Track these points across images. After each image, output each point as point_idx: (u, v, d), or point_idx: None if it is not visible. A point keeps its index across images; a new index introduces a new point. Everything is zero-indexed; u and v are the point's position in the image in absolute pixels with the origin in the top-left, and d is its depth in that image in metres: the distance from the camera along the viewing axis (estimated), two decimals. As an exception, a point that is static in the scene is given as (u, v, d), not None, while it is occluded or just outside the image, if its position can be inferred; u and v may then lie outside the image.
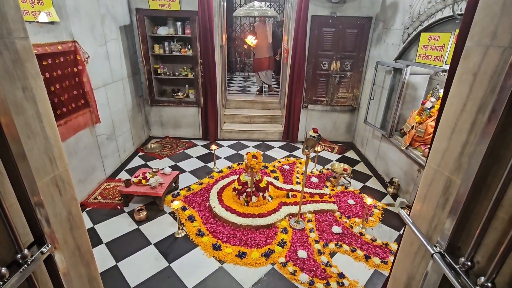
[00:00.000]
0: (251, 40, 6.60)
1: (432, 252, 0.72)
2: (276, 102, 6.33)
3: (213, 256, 2.71)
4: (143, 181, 3.38)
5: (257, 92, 7.22)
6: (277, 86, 7.84)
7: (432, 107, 3.35)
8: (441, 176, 0.78)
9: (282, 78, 6.21)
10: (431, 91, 3.50)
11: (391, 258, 2.73)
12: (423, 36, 3.27)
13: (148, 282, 2.44)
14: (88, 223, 3.10)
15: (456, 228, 0.68)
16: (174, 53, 4.97)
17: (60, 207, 0.78)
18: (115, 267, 2.57)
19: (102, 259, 2.65)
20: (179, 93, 5.28)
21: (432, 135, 3.19)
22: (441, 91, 3.39)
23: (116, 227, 3.07)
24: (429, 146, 3.28)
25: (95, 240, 2.89)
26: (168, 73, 5.18)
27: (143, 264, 2.61)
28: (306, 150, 2.66)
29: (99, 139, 3.82)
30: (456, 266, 0.66)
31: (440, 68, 2.98)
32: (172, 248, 2.80)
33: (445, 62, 2.92)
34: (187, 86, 5.34)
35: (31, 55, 0.74)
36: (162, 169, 3.70)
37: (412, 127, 3.54)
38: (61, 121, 3.06)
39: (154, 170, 3.68)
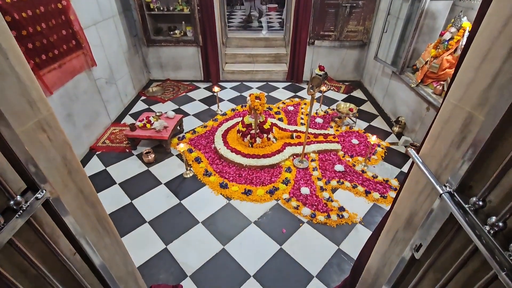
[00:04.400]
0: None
1: (441, 191, 0.68)
2: (280, 39, 5.87)
3: (221, 194, 2.80)
4: (148, 125, 3.37)
5: (244, 23, 6.77)
6: (280, 14, 7.18)
7: (451, 38, 3.04)
8: (460, 112, 0.69)
9: (287, 11, 5.62)
10: (452, 20, 3.13)
11: (391, 193, 2.81)
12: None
13: (162, 216, 2.58)
14: (100, 166, 3.20)
15: (471, 168, 0.63)
16: (166, -17, 4.41)
17: (52, 153, 0.74)
18: (130, 204, 2.70)
19: (118, 197, 2.77)
20: (176, 31, 4.89)
21: (446, 70, 2.97)
22: (464, 19, 3.02)
23: (127, 169, 3.15)
24: (442, 82, 3.10)
25: (109, 180, 3.00)
26: (162, 8, 4.70)
27: (155, 201, 2.73)
28: (312, 90, 2.54)
29: (98, 83, 3.69)
30: (466, 206, 0.63)
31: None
32: (181, 187, 2.90)
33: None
34: (183, 22, 4.90)
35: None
36: (166, 112, 3.66)
37: (426, 62, 3.29)
38: (55, 64, 2.91)
39: (158, 114, 3.63)
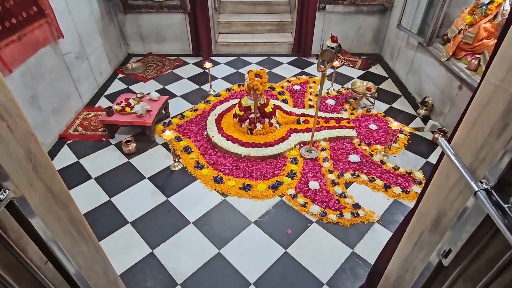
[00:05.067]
0: None
1: (477, 188, 0.68)
2: (285, 3, 5.75)
3: (215, 189, 2.84)
4: (127, 109, 3.35)
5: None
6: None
7: (491, 2, 2.97)
8: (503, 94, 0.68)
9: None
10: (493, -21, 3.05)
11: (415, 188, 2.84)
12: None
13: (146, 216, 2.62)
14: (71, 157, 3.21)
15: (514, 160, 0.62)
16: None
17: (13, 145, 0.73)
18: (109, 202, 2.74)
19: (94, 194, 2.81)
20: (159, -6, 4.78)
21: (484, 41, 2.92)
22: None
23: (104, 160, 3.17)
24: (478, 56, 3.06)
25: (83, 175, 3.02)
26: (141, -34, 4.57)
27: (139, 198, 2.77)
28: (322, 66, 2.53)
29: (67, 58, 3.64)
30: (505, 206, 0.63)
31: None
32: (169, 181, 2.93)
33: None
34: (167, -17, 4.78)
35: None
36: (148, 93, 3.63)
37: (460, 31, 3.24)
38: (14, 36, 2.85)
39: (139, 95, 3.62)
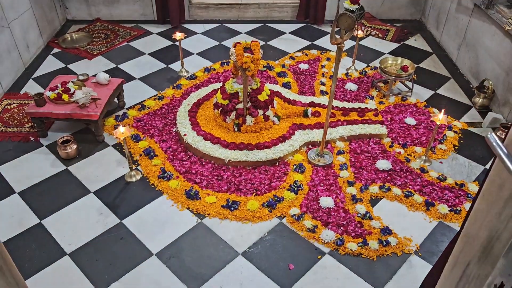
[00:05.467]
0: None
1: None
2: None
3: (188, 208, 2.85)
4: (65, 96, 3.33)
5: None
6: None
7: None
8: None
9: None
10: None
11: (468, 205, 2.85)
12: None
13: (91, 245, 2.62)
14: (-14, 164, 3.20)
15: None
16: None
17: None
18: (39, 226, 2.74)
19: (18, 215, 2.82)
20: None
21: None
22: None
23: (32, 168, 3.18)
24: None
25: (2, 188, 3.01)
26: None
27: (81, 221, 2.77)
28: (338, 36, 2.53)
29: (-21, 25, 3.62)
30: None
31: None
32: (123, 198, 2.94)
33: None
34: None
35: None
36: (95, 75, 3.62)
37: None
38: None
39: (81, 77, 3.60)
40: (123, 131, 2.88)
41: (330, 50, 4.69)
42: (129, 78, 4.20)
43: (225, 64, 4.41)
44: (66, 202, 2.91)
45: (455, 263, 1.12)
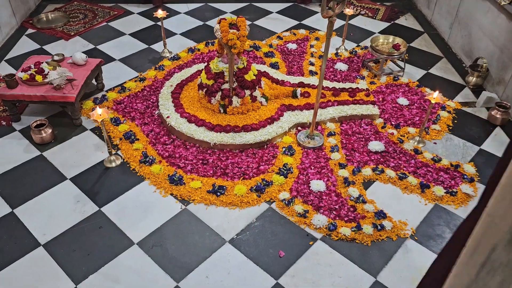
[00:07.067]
0: None
1: None
2: None
3: (171, 194, 2.81)
4: (38, 77, 3.24)
5: None
6: None
7: None
8: None
9: None
10: None
11: (463, 187, 2.85)
12: None
13: (68, 235, 2.56)
14: (-47, 151, 3.09)
15: None
16: None
17: None
18: (11, 215, 2.68)
19: (-13, 204, 2.74)
20: None
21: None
22: None
23: (4, 154, 3.12)
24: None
25: (-29, 176, 2.92)
26: None
27: (56, 209, 2.71)
28: (329, 10, 2.49)
29: None
30: None
31: None
32: (102, 184, 2.89)
33: None
34: None
35: None
36: (72, 56, 3.53)
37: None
38: None
39: (56, 57, 3.51)
40: (100, 113, 2.82)
41: (318, 30, 4.68)
42: (108, 59, 4.14)
43: (210, 44, 4.36)
44: (40, 189, 2.84)
45: (476, 248, 1.02)
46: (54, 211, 2.69)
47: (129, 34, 4.56)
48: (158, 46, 4.31)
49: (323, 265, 2.38)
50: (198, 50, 4.25)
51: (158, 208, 2.71)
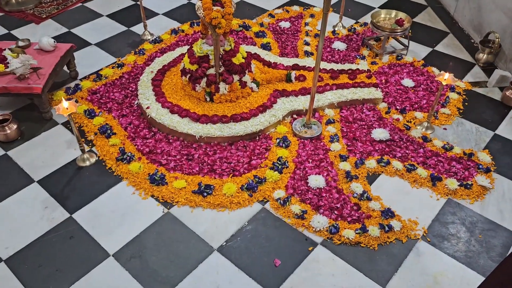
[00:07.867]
0: None
1: None
2: None
3: (152, 196, 2.70)
4: (0, 66, 3.10)
5: None
6: None
7: None
8: None
9: None
10: None
11: (479, 178, 2.72)
12: None
13: (33, 247, 2.42)
14: None
15: None
16: None
17: None
18: None
19: None
20: None
21: None
22: None
23: None
24: None
25: None
26: None
27: (21, 218, 2.59)
28: None
29: None
30: None
31: None
32: (74, 186, 2.77)
33: None
34: None
35: None
36: (39, 41, 3.42)
37: None
38: None
39: (22, 43, 3.40)
40: (67, 106, 2.64)
41: (313, 6, 4.57)
42: (83, 44, 4.05)
43: (195, 24, 4.26)
44: (3, 195, 2.70)
45: None
46: (18, 220, 2.56)
47: (107, 16, 4.47)
48: (138, 28, 4.20)
49: (325, 275, 2.24)
50: (183, 31, 4.16)
51: (137, 213, 2.58)
